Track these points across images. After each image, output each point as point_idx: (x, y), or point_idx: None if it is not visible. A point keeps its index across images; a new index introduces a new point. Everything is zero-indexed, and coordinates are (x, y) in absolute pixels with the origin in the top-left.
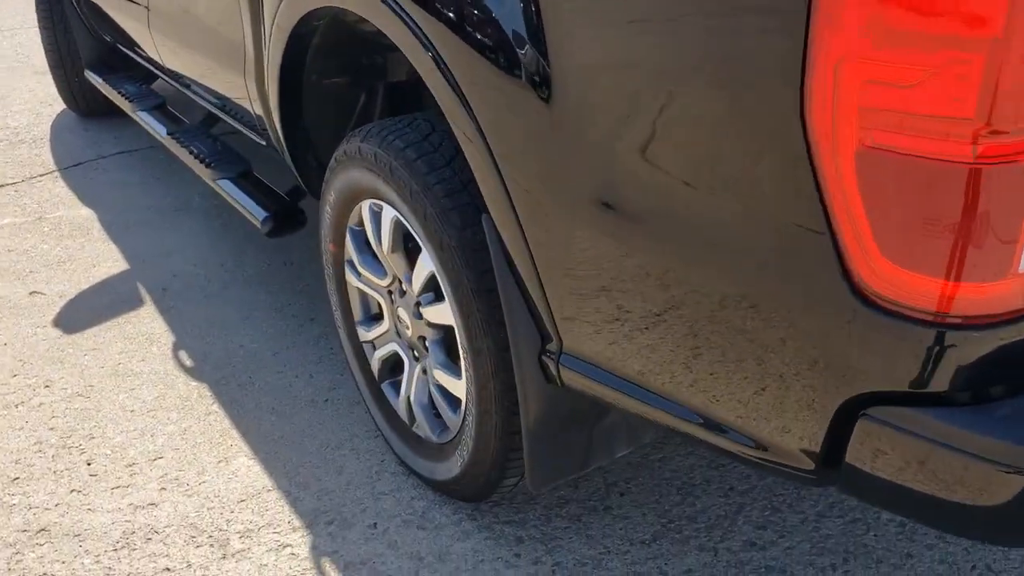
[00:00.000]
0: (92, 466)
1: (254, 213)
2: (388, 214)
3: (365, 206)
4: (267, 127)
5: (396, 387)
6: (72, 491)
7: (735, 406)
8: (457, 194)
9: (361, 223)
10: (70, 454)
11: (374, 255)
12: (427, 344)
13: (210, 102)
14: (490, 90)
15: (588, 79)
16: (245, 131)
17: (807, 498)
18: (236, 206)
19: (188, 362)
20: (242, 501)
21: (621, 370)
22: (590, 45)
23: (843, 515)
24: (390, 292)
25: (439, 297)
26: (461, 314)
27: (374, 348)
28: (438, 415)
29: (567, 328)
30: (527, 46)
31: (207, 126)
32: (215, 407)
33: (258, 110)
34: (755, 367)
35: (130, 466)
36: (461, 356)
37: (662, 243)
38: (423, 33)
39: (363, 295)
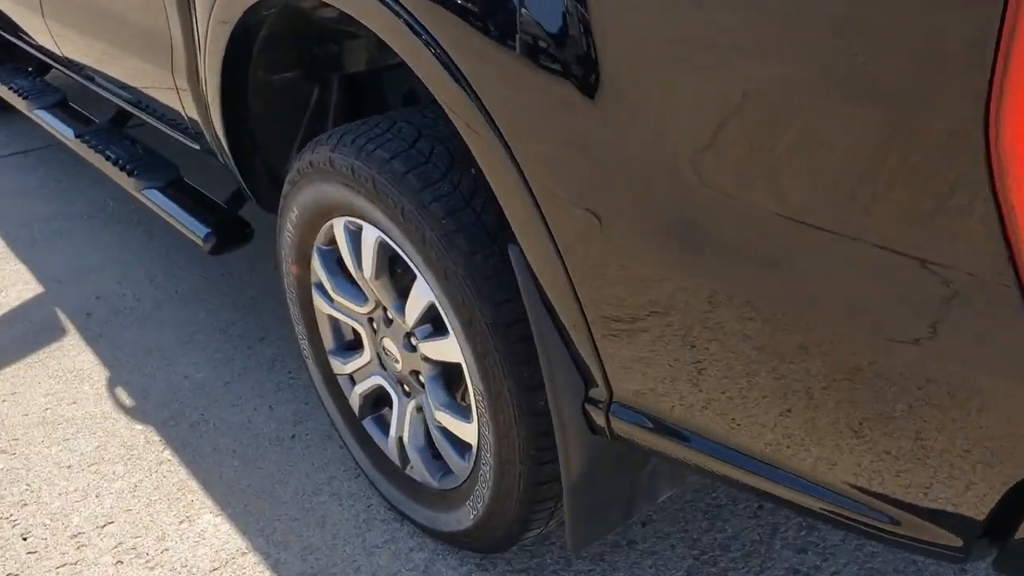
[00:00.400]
0: (28, 541)
1: (193, 229)
2: (370, 235)
3: (339, 224)
4: (203, 130)
5: (381, 423)
6: None
7: (873, 478)
8: (460, 212)
9: (332, 243)
10: (0, 528)
11: (350, 278)
12: (423, 380)
13: (123, 97)
14: (507, 84)
15: (651, 69)
16: (175, 134)
17: None
18: (171, 221)
19: (128, 401)
20: (215, 570)
21: (698, 427)
22: (652, 27)
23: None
24: (371, 320)
25: (439, 330)
26: (474, 352)
27: (353, 382)
28: (437, 456)
29: (621, 375)
30: (562, 23)
31: (120, 124)
32: (166, 454)
33: (192, 111)
34: (911, 445)
35: (75, 536)
36: (472, 398)
37: (763, 284)
38: (414, 18)
39: (335, 322)
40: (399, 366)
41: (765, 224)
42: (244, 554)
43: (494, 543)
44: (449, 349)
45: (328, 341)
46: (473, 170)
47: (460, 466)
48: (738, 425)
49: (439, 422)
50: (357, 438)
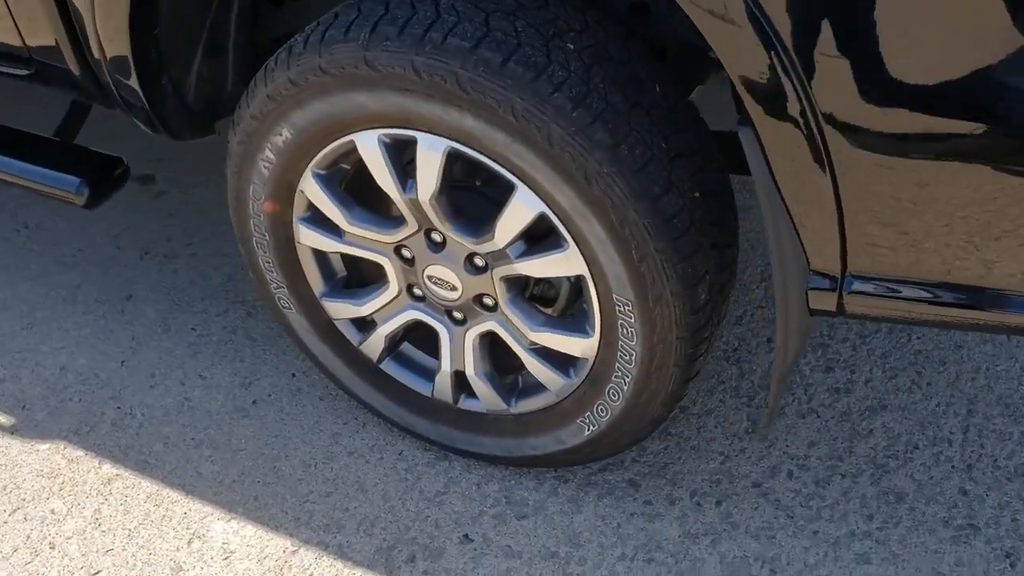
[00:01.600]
0: None
1: (57, 184)
2: (435, 146)
3: (366, 139)
4: (89, 49)
5: (406, 362)
6: None
7: None
8: (588, 99)
9: (334, 165)
10: None
11: (369, 204)
12: (498, 303)
13: None
14: None
15: None
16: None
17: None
18: (23, 184)
19: (7, 419)
20: None
21: (944, 280)
22: None
23: (879, 333)
24: (400, 249)
25: (542, 245)
26: (623, 260)
27: (370, 325)
28: (511, 384)
29: (862, 250)
30: None
31: None
32: (107, 468)
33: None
34: None
35: None
36: (597, 309)
37: None
38: None
39: (325, 260)
40: (455, 294)
41: None
42: (294, 552)
43: (610, 451)
44: (567, 263)
45: (317, 284)
46: (570, 44)
47: (562, 384)
48: (990, 267)
49: (536, 343)
50: (376, 385)
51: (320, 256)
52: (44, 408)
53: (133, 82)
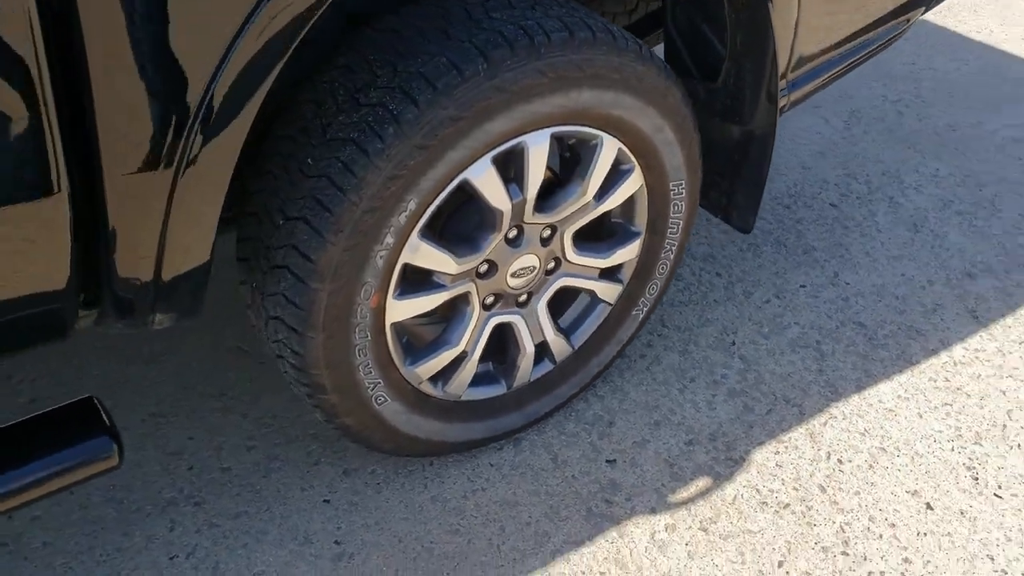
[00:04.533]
0: None
1: (90, 457)
2: (542, 138)
3: (481, 166)
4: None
5: (474, 381)
6: None
7: None
8: None
9: (432, 216)
10: None
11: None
12: (572, 255)
13: None
14: None
15: None
16: None
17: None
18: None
19: None
20: None
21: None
22: None
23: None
24: (478, 267)
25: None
26: (683, 150)
27: (457, 364)
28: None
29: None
30: None
31: None
32: None
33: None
34: None
35: None
36: (646, 206)
37: None
38: None
39: (400, 332)
40: (533, 275)
41: None
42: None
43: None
44: (632, 182)
45: (400, 358)
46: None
47: (618, 291)
48: None
49: (603, 268)
50: (464, 418)
51: (396, 330)
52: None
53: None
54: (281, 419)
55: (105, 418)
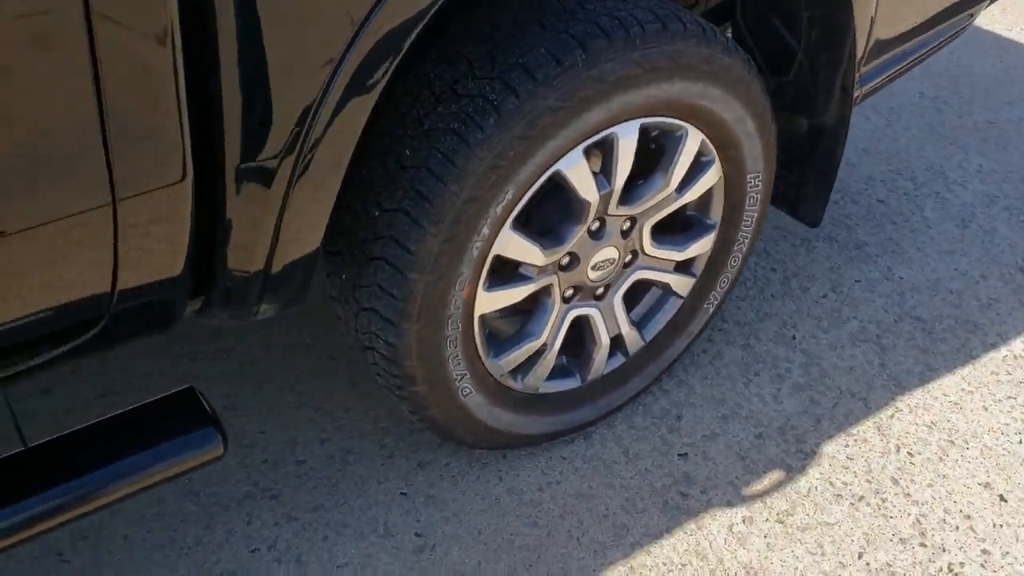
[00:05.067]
0: None
1: (195, 449)
2: (631, 129)
3: (574, 157)
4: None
5: (552, 373)
6: None
7: None
8: None
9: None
10: None
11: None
12: (649, 248)
13: None
14: None
15: None
16: None
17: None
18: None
19: None
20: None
21: None
22: None
23: None
24: (560, 260)
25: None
26: (762, 141)
27: (538, 355)
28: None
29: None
30: None
31: None
32: None
33: None
34: None
35: None
36: (722, 197)
37: None
38: None
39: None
40: (612, 267)
41: None
42: None
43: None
44: (712, 173)
45: (485, 349)
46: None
47: (691, 284)
48: None
49: (679, 260)
50: (542, 411)
51: (481, 322)
52: None
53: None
54: (353, 413)
55: (208, 408)
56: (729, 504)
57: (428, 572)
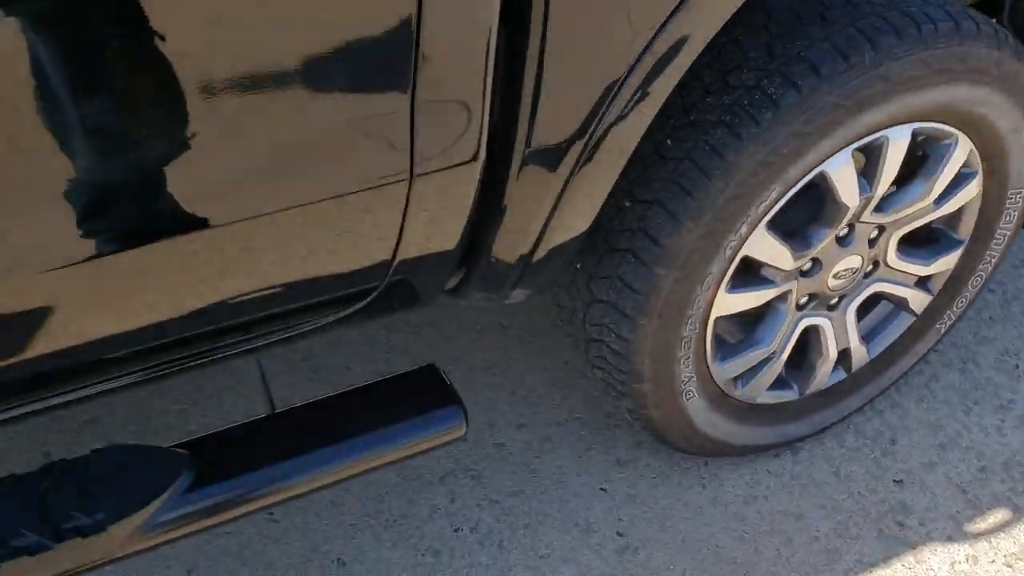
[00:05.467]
0: None
1: (441, 426)
2: (903, 133)
3: (841, 158)
4: None
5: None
6: None
7: None
8: None
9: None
10: None
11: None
12: (893, 259)
13: None
14: None
15: None
16: None
17: None
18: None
19: None
20: None
21: None
22: None
23: None
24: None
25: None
26: None
27: (762, 365)
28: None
29: None
30: None
31: None
32: None
33: None
34: None
35: None
36: (975, 215)
37: None
38: None
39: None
40: (853, 277)
41: None
42: None
43: None
44: (974, 186)
45: (713, 353)
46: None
47: (927, 301)
48: None
49: (923, 275)
50: (756, 422)
51: (715, 324)
52: None
53: None
54: (547, 400)
55: (451, 387)
56: (950, 539)
57: (632, 575)
